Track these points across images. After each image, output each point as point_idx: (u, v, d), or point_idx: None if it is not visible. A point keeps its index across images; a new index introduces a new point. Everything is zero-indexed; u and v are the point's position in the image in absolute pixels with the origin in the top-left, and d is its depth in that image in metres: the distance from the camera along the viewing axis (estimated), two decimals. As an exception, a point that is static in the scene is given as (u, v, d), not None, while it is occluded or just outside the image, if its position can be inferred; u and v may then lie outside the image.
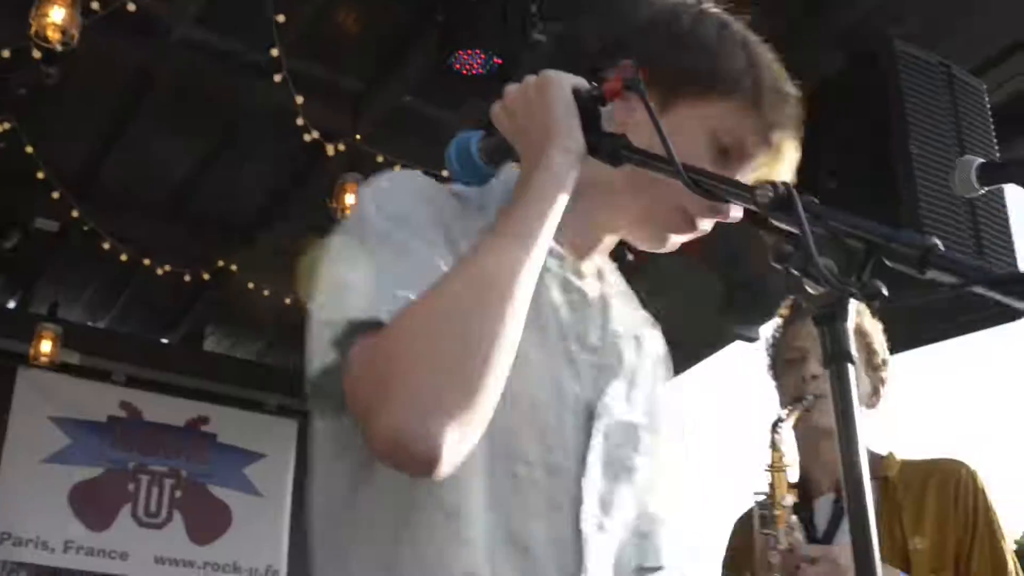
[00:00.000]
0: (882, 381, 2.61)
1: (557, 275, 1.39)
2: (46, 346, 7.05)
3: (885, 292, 0.99)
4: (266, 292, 6.85)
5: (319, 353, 1.20)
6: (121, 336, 8.32)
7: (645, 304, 1.64)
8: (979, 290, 1.00)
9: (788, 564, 2.31)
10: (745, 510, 2.68)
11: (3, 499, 7.39)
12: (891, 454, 2.56)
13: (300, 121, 5.33)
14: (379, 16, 5.48)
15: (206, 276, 7.01)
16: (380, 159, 5.72)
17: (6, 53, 5.10)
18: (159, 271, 6.80)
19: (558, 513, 1.29)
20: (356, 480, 1.27)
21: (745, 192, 1.14)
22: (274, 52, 5.01)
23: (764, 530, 2.41)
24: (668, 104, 1.36)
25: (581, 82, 1.30)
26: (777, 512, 2.40)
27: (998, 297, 0.98)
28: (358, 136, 5.72)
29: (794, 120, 1.44)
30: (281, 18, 4.90)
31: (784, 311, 2.77)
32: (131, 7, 4.81)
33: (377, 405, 1.10)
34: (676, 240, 1.45)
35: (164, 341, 8.47)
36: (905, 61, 4.74)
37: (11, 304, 8.01)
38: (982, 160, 2.02)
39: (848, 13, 5.20)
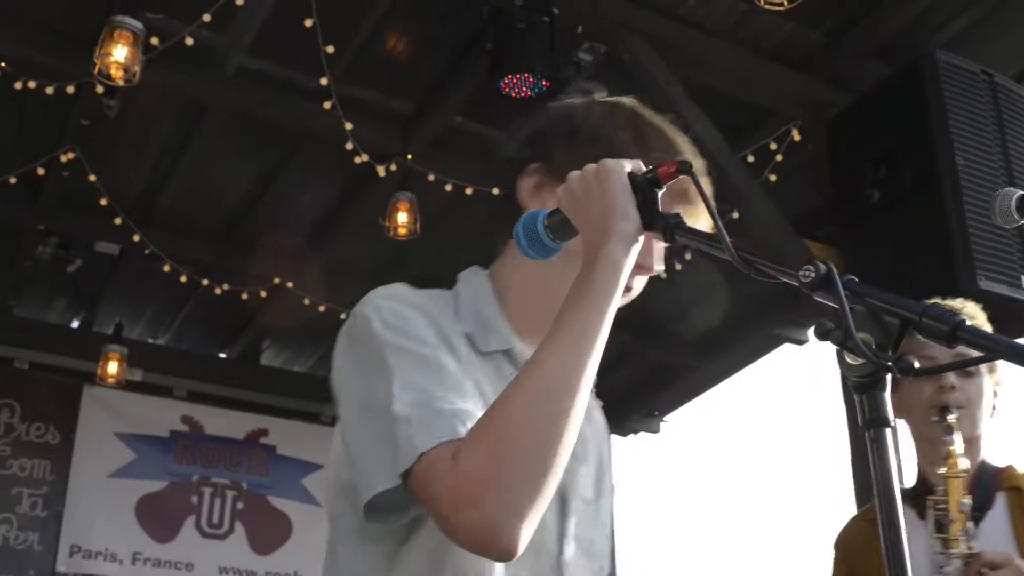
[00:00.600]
0: (998, 384, 2.65)
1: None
2: (112, 366, 7.24)
3: (917, 366, 1.09)
4: (321, 308, 7.00)
5: (382, 478, 1.34)
6: (181, 353, 8.51)
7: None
8: (1005, 361, 1.10)
9: (971, 570, 2.34)
10: (858, 512, 2.78)
11: (73, 513, 7.61)
12: (1010, 466, 2.61)
13: (349, 146, 5.47)
14: (427, 43, 5.61)
15: (263, 294, 7.18)
16: (431, 177, 5.86)
17: (71, 89, 5.28)
18: (217, 290, 6.97)
19: None
20: (390, 561, 1.44)
21: (790, 271, 1.23)
22: (324, 80, 5.15)
23: (939, 535, 2.46)
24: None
25: (638, 165, 1.44)
26: (954, 517, 2.44)
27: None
28: (409, 156, 5.86)
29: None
30: (331, 48, 5.04)
31: None
32: (189, 41, 4.97)
33: (467, 507, 1.25)
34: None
35: (222, 356, 8.65)
36: (947, 71, 4.79)
37: (75, 324, 8.22)
38: (1021, 193, 2.11)
39: (889, 24, 5.24)
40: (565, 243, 1.48)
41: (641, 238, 1.40)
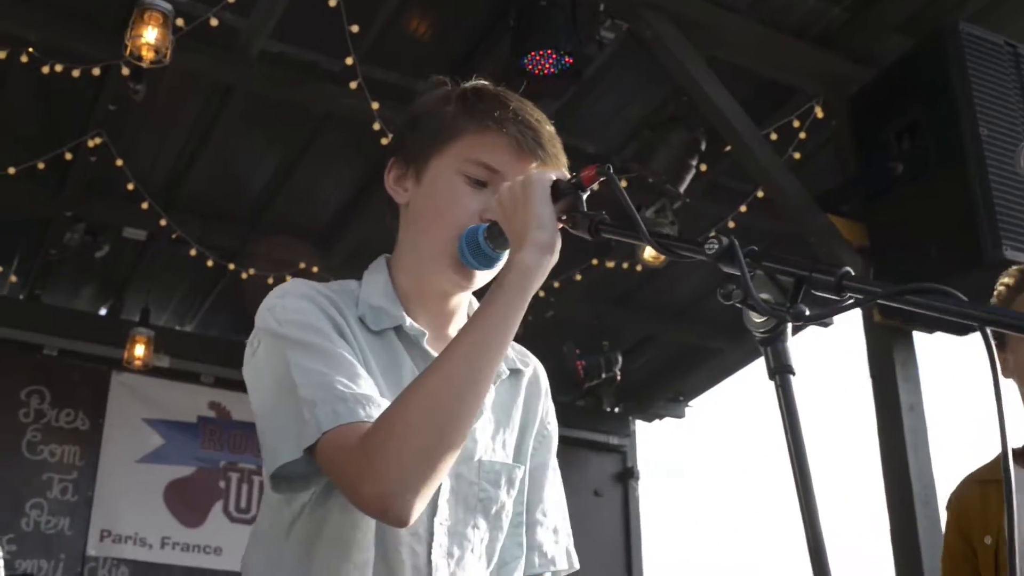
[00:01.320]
0: None
1: (416, 348, 1.68)
2: (139, 350, 7.31)
3: (807, 312, 1.22)
4: (347, 292, 7.03)
5: (286, 452, 1.51)
6: (208, 339, 8.57)
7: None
8: (886, 303, 1.21)
9: None
10: (964, 477, 2.79)
11: (103, 498, 7.69)
12: None
13: (376, 126, 5.50)
14: (450, 22, 5.63)
15: (288, 278, 7.20)
16: (455, 159, 5.87)
17: (97, 71, 5.33)
18: (243, 275, 7.02)
19: (420, 545, 1.60)
20: (293, 518, 1.62)
21: (696, 246, 1.37)
22: (348, 61, 5.17)
23: None
24: (422, 169, 1.71)
25: (563, 173, 1.61)
26: None
27: (905, 307, 1.19)
28: (433, 138, 5.88)
29: (519, 118, 1.68)
30: (355, 28, 5.06)
31: (1009, 280, 2.79)
32: (213, 22, 5.01)
33: (368, 478, 1.42)
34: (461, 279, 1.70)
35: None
36: (970, 42, 4.78)
37: (103, 311, 8.29)
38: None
39: (911, -1, 5.23)
40: (505, 252, 1.62)
41: (557, 245, 1.54)
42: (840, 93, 5.51)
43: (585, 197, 1.55)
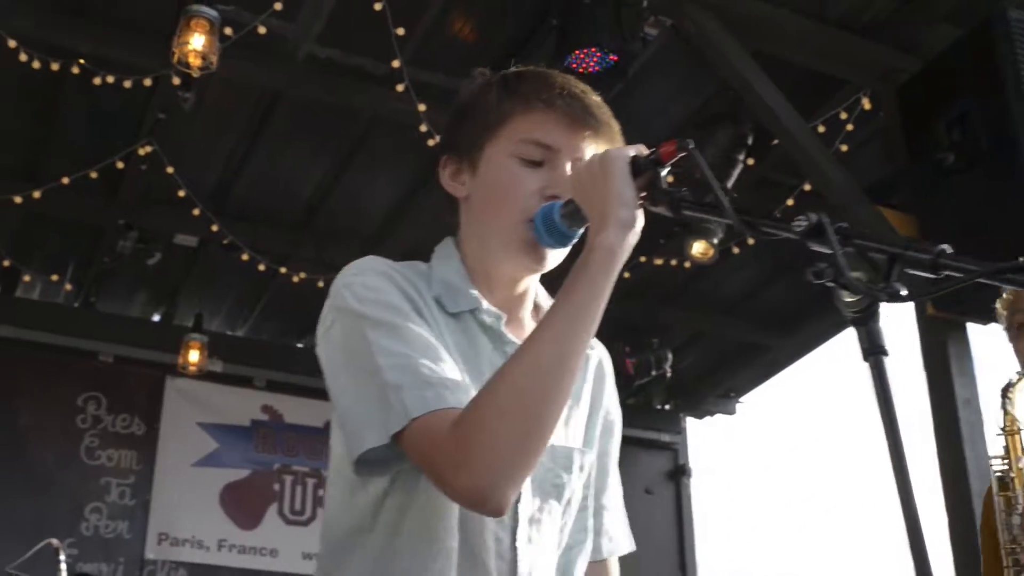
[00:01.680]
0: None
1: (492, 331, 1.66)
2: (194, 356, 7.39)
3: (905, 292, 1.20)
4: (396, 294, 7.07)
5: (372, 437, 1.49)
6: (260, 343, 8.66)
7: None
8: (985, 280, 1.20)
9: None
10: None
11: (160, 502, 7.79)
12: None
13: (423, 128, 5.53)
14: (494, 22, 5.64)
15: (339, 282, 7.27)
16: (502, 158, 5.89)
17: (148, 82, 5.41)
18: (294, 279, 7.08)
19: (504, 531, 1.59)
20: (375, 508, 1.60)
21: (783, 224, 1.34)
22: (395, 64, 5.21)
23: (1002, 492, 2.47)
24: (476, 159, 1.70)
25: (640, 149, 1.54)
26: (1014, 474, 2.46)
27: (1003, 284, 1.19)
28: (479, 138, 5.90)
29: (564, 92, 1.67)
30: (401, 31, 5.09)
31: (1001, 308, 2.82)
32: (261, 30, 5.06)
33: (463, 469, 1.41)
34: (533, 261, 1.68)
35: (300, 346, 8.78)
36: (1020, 29, 4.71)
37: (156, 317, 8.40)
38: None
39: (958, -15, 5.17)
40: (580, 230, 1.60)
41: (639, 223, 1.51)
42: (888, 84, 5.46)
43: (664, 173, 1.51)
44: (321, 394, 6.49)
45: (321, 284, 7.17)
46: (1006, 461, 2.50)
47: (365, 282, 1.58)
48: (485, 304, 1.66)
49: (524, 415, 1.41)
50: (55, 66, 5.29)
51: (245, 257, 6.86)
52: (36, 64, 5.22)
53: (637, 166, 1.51)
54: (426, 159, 6.31)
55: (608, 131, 1.68)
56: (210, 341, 7.60)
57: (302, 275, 7.07)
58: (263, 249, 7.00)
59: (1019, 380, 2.52)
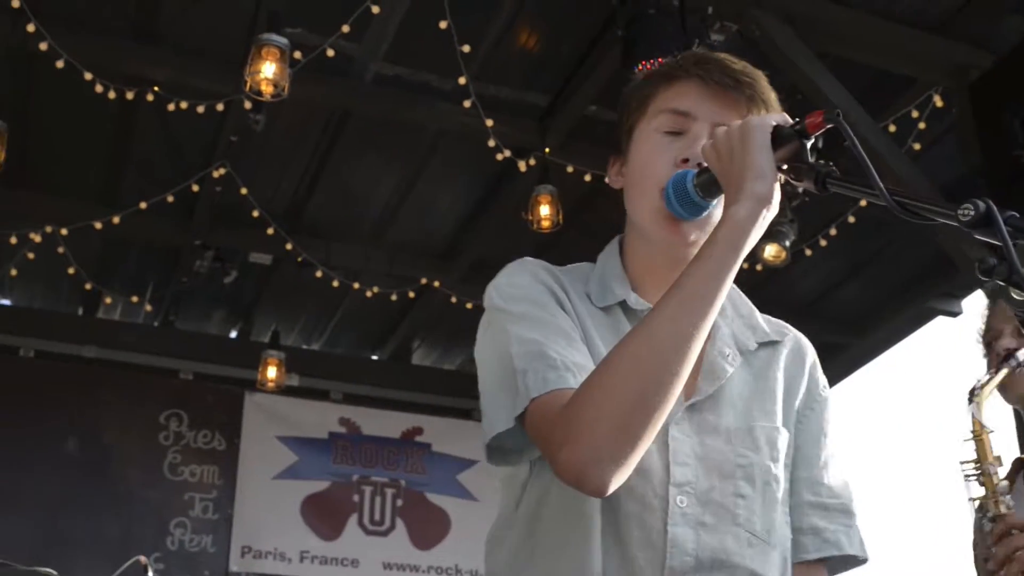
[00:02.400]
0: None
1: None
2: (272, 371, 7.50)
3: None
4: (468, 305, 7.13)
5: (500, 421, 1.49)
6: (336, 357, 8.76)
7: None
8: None
9: (998, 530, 2.37)
10: None
11: (242, 515, 7.93)
12: None
13: (491, 142, 5.56)
14: (559, 35, 5.66)
15: (411, 294, 7.34)
16: (570, 169, 5.92)
17: (220, 106, 5.51)
18: (368, 293, 7.16)
19: (651, 515, 1.51)
20: (517, 500, 1.61)
21: (948, 210, 1.21)
22: (461, 80, 5.25)
23: (973, 497, 2.46)
24: (628, 147, 1.68)
25: (784, 118, 1.46)
26: (983, 480, 2.45)
27: None
28: (547, 150, 5.93)
29: (705, 60, 1.64)
30: (466, 48, 5.13)
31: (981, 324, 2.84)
32: (329, 52, 5.13)
33: (565, 445, 1.37)
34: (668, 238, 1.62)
35: (375, 358, 8.87)
36: (1094, 21, 4.63)
37: (233, 334, 8.54)
38: None
39: (1029, -22, 5.09)
40: (714, 201, 1.53)
41: (776, 201, 1.43)
42: (959, 80, 5.40)
43: (810, 146, 1.41)
44: (396, 405, 6.60)
45: (394, 298, 7.26)
46: (977, 467, 2.47)
47: (509, 280, 1.60)
48: (633, 297, 1.62)
49: (632, 392, 1.35)
50: (130, 95, 5.40)
51: (319, 273, 6.95)
52: (112, 94, 5.33)
53: (779, 136, 1.42)
54: (494, 172, 6.37)
55: (754, 97, 1.60)
56: (287, 356, 7.70)
57: (375, 289, 7.15)
58: (336, 265, 7.09)
59: (986, 383, 2.50)
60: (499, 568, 1.63)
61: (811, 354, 1.75)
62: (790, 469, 1.64)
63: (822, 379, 1.74)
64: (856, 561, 1.67)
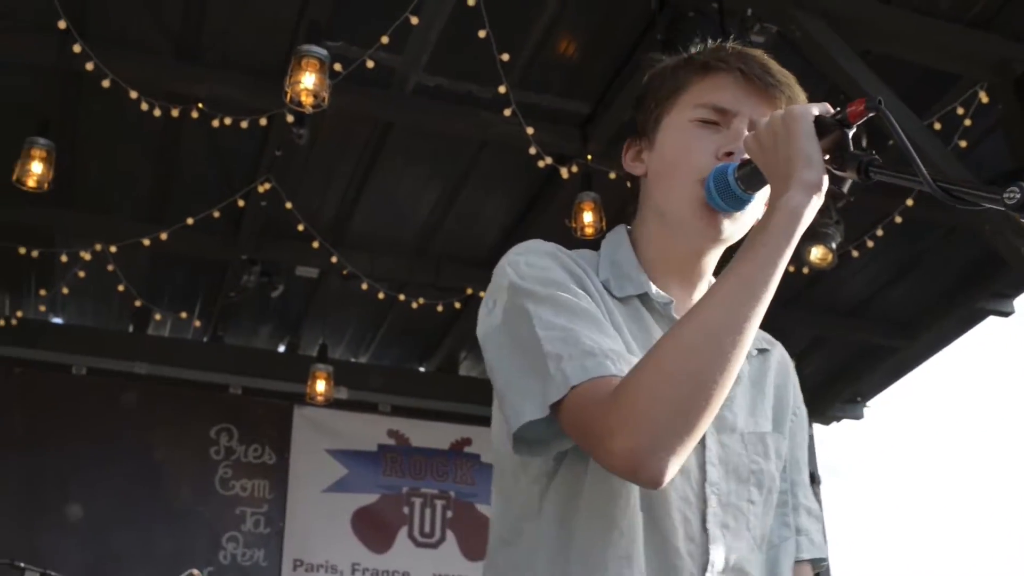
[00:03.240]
0: None
1: (663, 317, 1.60)
2: (320, 385, 7.53)
3: None
4: (514, 314, 7.12)
5: (530, 409, 1.41)
6: (383, 369, 8.79)
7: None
8: None
9: None
10: None
11: (293, 529, 7.96)
12: None
13: (533, 150, 5.57)
14: (598, 41, 5.67)
15: (457, 305, 7.36)
16: (612, 175, 5.91)
17: (263, 121, 5.56)
18: (414, 304, 7.19)
19: (692, 511, 1.51)
20: (541, 492, 1.53)
21: (993, 194, 1.21)
22: (502, 89, 5.26)
23: None
24: (654, 132, 1.66)
25: (825, 108, 1.45)
26: None
27: None
28: (589, 156, 5.93)
29: (743, 55, 1.63)
30: (505, 56, 5.14)
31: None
32: (369, 63, 5.16)
33: (619, 433, 1.32)
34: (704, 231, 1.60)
35: (422, 370, 8.89)
36: None
37: (281, 348, 8.60)
38: None
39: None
40: (756, 194, 1.52)
41: (824, 186, 1.41)
42: (1004, 76, 5.34)
43: (851, 135, 1.40)
44: (445, 416, 6.61)
45: (440, 308, 7.28)
46: None
47: (528, 260, 1.54)
48: (654, 289, 1.60)
49: (689, 379, 1.31)
50: (175, 112, 5.47)
51: (364, 286, 6.99)
52: (157, 112, 5.40)
53: (821, 126, 1.41)
54: (537, 180, 6.38)
55: (789, 92, 1.60)
56: (335, 369, 7.74)
57: (420, 300, 7.18)
58: (381, 276, 7.12)
59: None
60: (516, 566, 1.55)
61: (792, 364, 1.78)
62: (786, 474, 1.68)
63: (800, 394, 1.77)
64: (823, 561, 1.73)
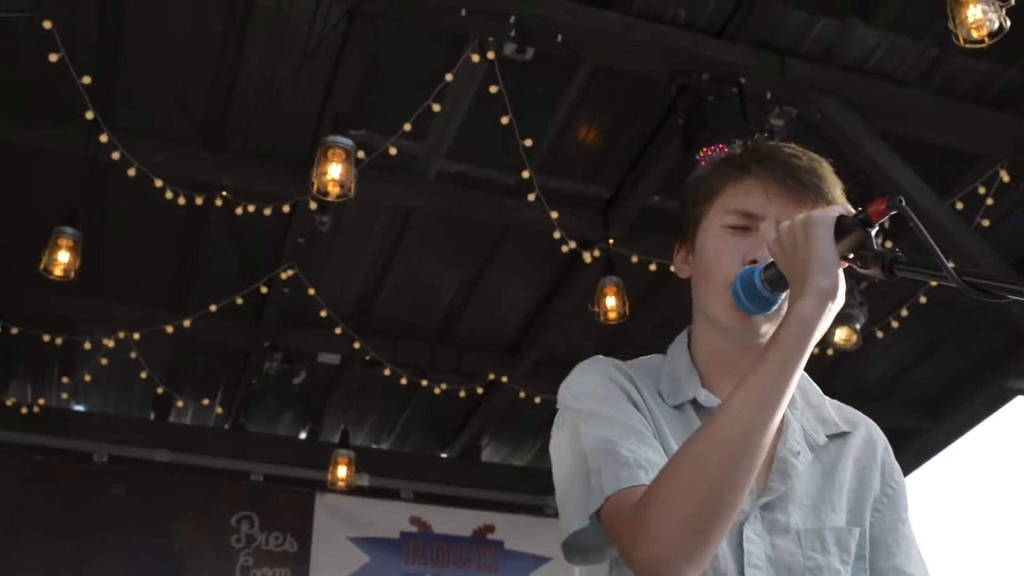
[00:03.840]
0: None
1: None
2: (342, 472, 7.48)
3: None
4: (537, 399, 7.10)
5: (575, 520, 1.52)
6: (405, 455, 8.73)
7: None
8: None
9: None
10: None
11: (315, 618, 7.86)
12: None
13: (556, 234, 5.58)
14: (619, 126, 5.71)
15: (479, 390, 7.34)
16: (635, 259, 5.92)
17: (286, 208, 5.60)
18: (435, 390, 7.16)
19: None
20: None
21: (1018, 285, 1.25)
22: (524, 174, 5.28)
23: None
24: (693, 237, 1.70)
25: (847, 210, 1.48)
26: None
27: None
28: (611, 240, 5.94)
29: (770, 158, 1.64)
30: (528, 142, 5.17)
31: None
32: (392, 151, 5.21)
33: (639, 543, 1.39)
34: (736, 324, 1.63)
35: (444, 456, 8.83)
36: None
37: (303, 435, 8.57)
38: None
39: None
40: (783, 295, 1.54)
41: (841, 293, 1.44)
42: (1025, 154, 5.35)
43: (874, 233, 1.43)
44: (467, 503, 6.54)
45: (462, 394, 7.25)
46: None
47: (581, 379, 1.63)
48: (703, 394, 1.63)
49: (701, 491, 1.36)
50: (199, 200, 5.51)
51: (387, 371, 6.97)
52: (181, 200, 5.45)
53: (843, 227, 1.44)
54: (559, 265, 6.39)
55: (816, 193, 1.61)
56: (356, 456, 7.69)
57: (443, 386, 7.16)
58: (404, 362, 7.11)
59: None
60: None
61: (882, 441, 1.74)
62: (867, 561, 1.63)
63: (895, 466, 1.73)
64: None
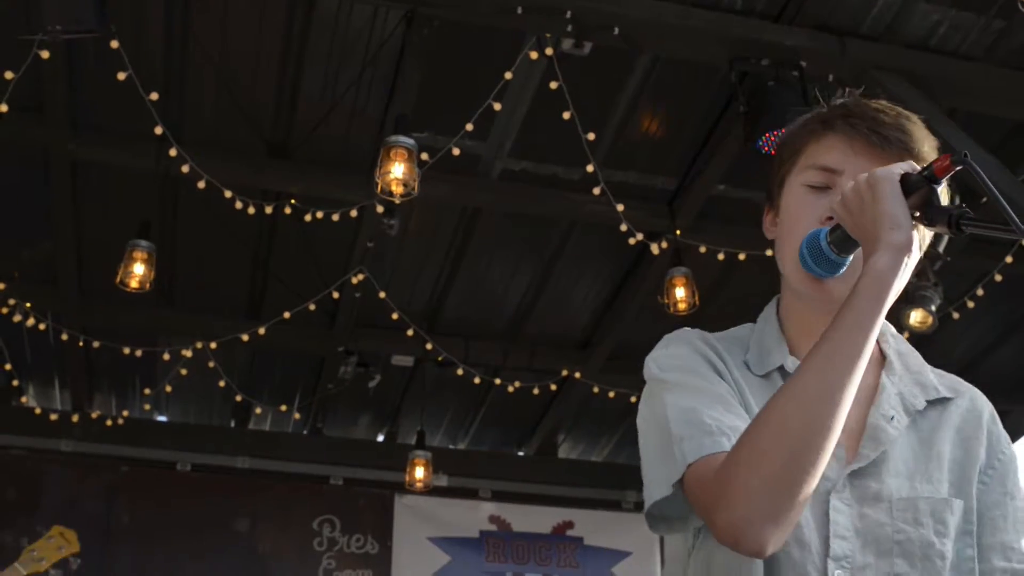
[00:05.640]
0: None
1: None
2: (420, 473, 7.54)
3: None
4: (611, 394, 7.09)
5: (659, 489, 1.50)
6: (482, 455, 8.78)
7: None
8: None
9: None
10: None
11: (398, 618, 7.94)
12: None
13: (624, 227, 5.57)
14: (681, 115, 5.69)
15: (553, 387, 7.35)
16: (703, 249, 5.89)
17: (354, 213, 5.66)
18: (509, 388, 7.19)
19: None
20: (683, 567, 1.62)
21: None
22: (589, 168, 5.29)
23: None
24: (778, 198, 1.67)
25: (911, 166, 1.44)
26: None
27: None
28: (678, 231, 5.92)
29: (854, 112, 1.62)
30: (591, 135, 5.18)
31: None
32: (455, 152, 5.24)
33: (720, 506, 1.37)
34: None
35: (521, 454, 8.86)
36: None
37: (380, 437, 8.65)
38: None
39: None
40: (850, 256, 1.51)
41: (915, 246, 1.41)
42: (1097, 126, 5.23)
43: (940, 190, 1.41)
44: (545, 500, 6.54)
45: (536, 391, 7.27)
46: None
47: (667, 351, 1.61)
48: (790, 360, 1.60)
49: (782, 452, 1.34)
50: (268, 208, 5.60)
51: (460, 371, 7.01)
52: (251, 210, 5.53)
53: (909, 184, 1.41)
54: (626, 258, 6.39)
55: (902, 148, 1.56)
56: (434, 456, 7.75)
57: (516, 384, 7.18)
58: (476, 362, 7.15)
59: None
60: None
61: (988, 409, 1.68)
62: (975, 536, 1.57)
63: (1004, 436, 1.66)
64: None
